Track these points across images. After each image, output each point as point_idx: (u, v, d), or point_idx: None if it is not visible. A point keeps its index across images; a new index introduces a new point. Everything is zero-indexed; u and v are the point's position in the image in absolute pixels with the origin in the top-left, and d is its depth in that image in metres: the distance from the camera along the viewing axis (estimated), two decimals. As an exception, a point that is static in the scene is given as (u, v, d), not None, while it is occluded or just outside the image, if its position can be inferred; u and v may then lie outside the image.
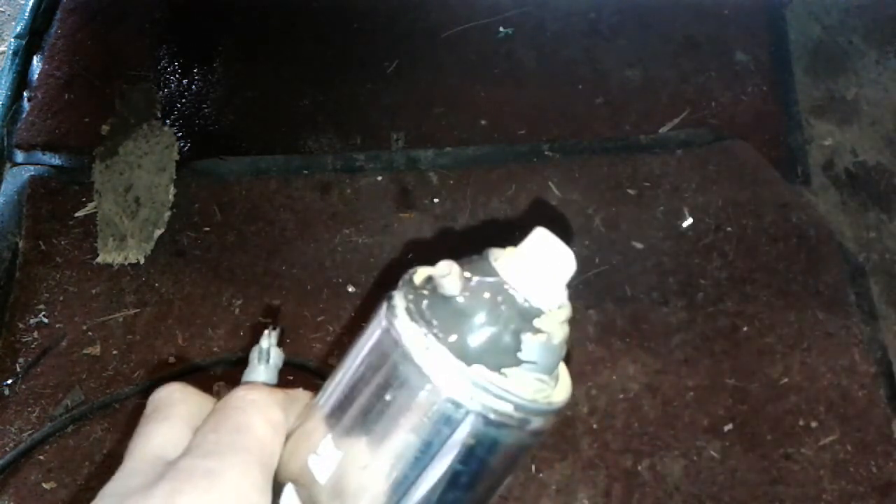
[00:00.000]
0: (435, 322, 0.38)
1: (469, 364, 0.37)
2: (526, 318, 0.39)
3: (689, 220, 1.38)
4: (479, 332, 0.38)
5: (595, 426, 1.23)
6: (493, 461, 0.38)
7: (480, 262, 0.40)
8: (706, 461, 1.20)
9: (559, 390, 0.41)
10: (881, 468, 1.18)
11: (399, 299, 0.40)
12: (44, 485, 1.21)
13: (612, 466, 1.20)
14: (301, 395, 0.41)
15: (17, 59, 1.61)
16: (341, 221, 1.42)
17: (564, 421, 1.23)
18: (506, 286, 0.39)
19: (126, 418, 1.27)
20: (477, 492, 0.39)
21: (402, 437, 0.38)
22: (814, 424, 1.22)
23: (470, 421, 0.37)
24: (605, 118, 1.51)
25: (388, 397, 0.38)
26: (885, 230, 1.43)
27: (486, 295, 0.39)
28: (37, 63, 1.63)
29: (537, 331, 0.39)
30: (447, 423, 0.37)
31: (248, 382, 0.48)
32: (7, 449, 1.24)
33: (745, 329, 1.29)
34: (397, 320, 0.39)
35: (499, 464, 0.39)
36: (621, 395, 1.25)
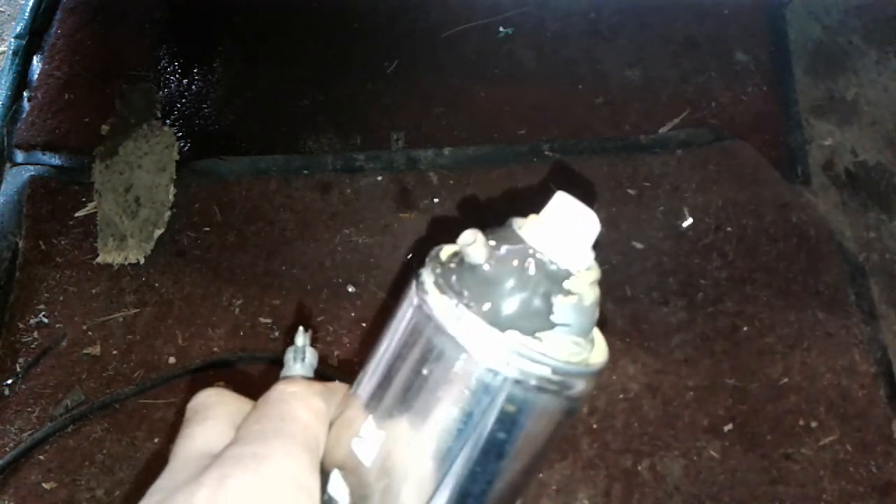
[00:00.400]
0: (465, 292, 0.38)
1: (503, 331, 0.37)
2: (555, 281, 0.38)
3: (689, 220, 1.38)
4: (510, 299, 0.38)
5: (595, 426, 1.23)
6: (533, 428, 0.38)
7: (504, 231, 0.40)
8: (706, 461, 1.20)
9: (596, 353, 0.40)
10: (881, 468, 1.18)
11: (427, 275, 0.40)
12: (44, 485, 1.21)
13: (612, 466, 1.20)
14: (339, 387, 0.42)
15: (17, 59, 1.61)
16: (341, 221, 1.42)
17: (564, 421, 1.23)
18: (532, 251, 0.39)
19: (126, 418, 1.27)
20: (521, 461, 0.39)
21: (443, 411, 0.37)
22: (814, 424, 1.22)
23: (508, 388, 0.37)
24: (605, 118, 1.51)
25: (424, 372, 0.38)
26: (885, 230, 1.43)
27: (514, 261, 0.38)
28: (37, 63, 1.63)
29: (568, 292, 0.39)
30: (486, 391, 0.37)
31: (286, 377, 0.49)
32: (7, 449, 1.24)
33: (745, 329, 1.29)
34: (427, 295, 0.39)
35: (540, 431, 0.38)
36: (621, 395, 1.25)
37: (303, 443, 0.38)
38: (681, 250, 1.35)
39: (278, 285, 1.36)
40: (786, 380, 1.25)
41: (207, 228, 1.43)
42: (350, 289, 1.34)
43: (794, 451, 1.20)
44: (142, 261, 1.39)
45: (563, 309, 0.38)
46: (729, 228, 1.37)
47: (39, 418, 1.27)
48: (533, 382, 0.37)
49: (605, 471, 1.19)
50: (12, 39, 1.63)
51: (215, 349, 1.31)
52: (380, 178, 1.46)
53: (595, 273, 0.41)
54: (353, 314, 1.32)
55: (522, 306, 0.38)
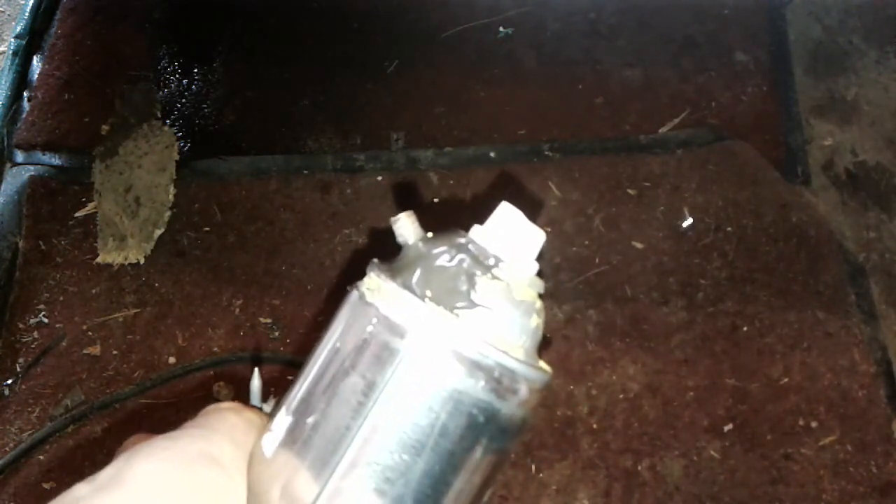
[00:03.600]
0: (389, 268, 0.39)
1: (422, 299, 0.37)
2: (484, 266, 0.38)
3: (689, 220, 1.38)
4: (437, 274, 0.37)
5: (595, 426, 1.22)
6: (439, 407, 0.35)
7: (452, 231, 0.40)
8: (706, 461, 1.20)
9: (530, 358, 0.38)
10: (881, 468, 1.18)
11: (369, 270, 0.41)
12: (44, 485, 1.21)
13: (612, 466, 1.20)
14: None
15: (17, 59, 1.61)
16: (341, 221, 1.42)
17: (564, 421, 1.23)
18: (468, 240, 0.39)
19: (126, 418, 1.27)
20: (427, 438, 0.36)
21: (350, 379, 0.36)
22: (814, 424, 1.22)
23: (412, 353, 0.35)
24: (605, 118, 1.51)
25: (338, 345, 0.38)
26: (885, 230, 1.43)
27: (447, 244, 0.39)
28: (37, 63, 1.63)
29: (494, 277, 0.38)
30: (390, 354, 0.36)
31: None
32: (7, 449, 1.24)
33: (745, 329, 1.29)
34: (358, 283, 0.39)
35: (452, 419, 0.36)
36: (621, 395, 1.25)
37: (225, 433, 0.38)
38: (681, 250, 1.35)
39: (278, 285, 1.36)
40: (786, 380, 1.25)
41: (207, 228, 1.43)
42: (350, 289, 1.34)
43: (794, 451, 1.20)
44: (142, 261, 1.39)
45: (485, 289, 0.37)
46: (729, 228, 1.37)
47: (39, 418, 1.27)
48: (437, 353, 0.35)
49: (605, 471, 1.19)
50: (12, 39, 1.63)
51: (215, 349, 1.31)
52: (380, 178, 1.46)
53: (537, 281, 0.39)
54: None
55: (447, 281, 0.37)
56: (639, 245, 1.36)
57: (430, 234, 0.40)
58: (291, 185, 1.46)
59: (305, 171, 1.48)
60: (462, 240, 0.39)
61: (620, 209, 1.39)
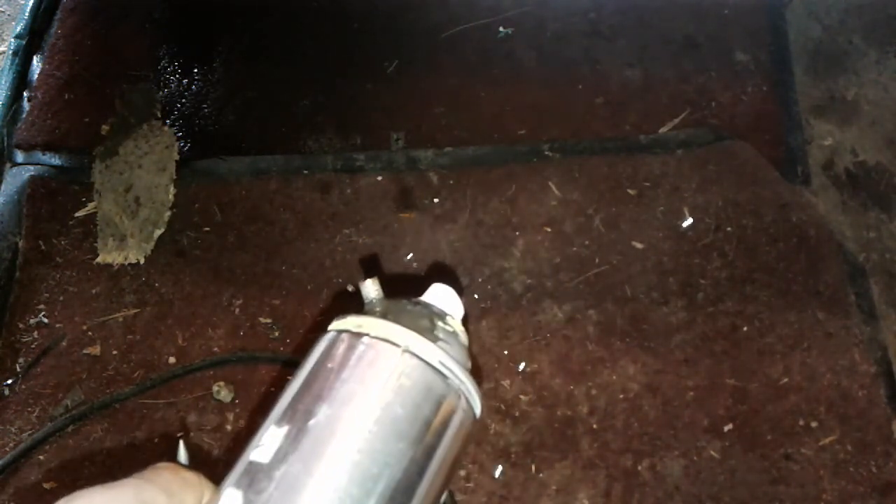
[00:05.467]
0: (364, 315, 0.49)
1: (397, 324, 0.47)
2: (439, 316, 0.50)
3: (689, 220, 1.38)
4: (402, 314, 0.48)
5: (595, 426, 1.22)
6: (421, 403, 0.44)
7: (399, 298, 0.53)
8: (706, 461, 1.20)
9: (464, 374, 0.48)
10: (881, 468, 1.18)
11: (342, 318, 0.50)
12: (44, 485, 1.21)
13: (612, 466, 1.20)
14: (206, 483, 0.44)
15: (17, 59, 1.61)
16: (341, 221, 1.42)
17: (564, 421, 1.23)
18: (421, 301, 0.52)
19: (126, 418, 1.27)
20: (410, 434, 0.44)
21: (344, 387, 0.44)
22: (814, 424, 1.22)
23: (405, 361, 0.45)
24: (605, 118, 1.51)
25: (330, 366, 0.45)
26: (885, 230, 1.43)
27: (406, 300, 0.51)
28: (37, 63, 1.63)
29: (447, 324, 0.50)
30: (387, 364, 0.44)
31: None
32: (7, 449, 1.24)
33: (745, 329, 1.29)
34: (333, 327, 0.49)
35: (424, 412, 0.44)
36: (621, 395, 1.25)
37: (160, 484, 0.41)
38: (681, 250, 1.35)
39: (278, 285, 1.36)
40: (786, 380, 1.25)
41: (207, 228, 1.43)
42: (350, 289, 1.34)
43: (794, 451, 1.20)
44: (142, 261, 1.39)
45: (443, 331, 0.49)
46: (729, 228, 1.37)
47: (39, 418, 1.27)
48: (421, 361, 0.45)
49: (605, 471, 1.19)
50: (12, 39, 1.63)
51: (215, 349, 1.31)
52: (380, 178, 1.46)
53: (465, 335, 0.51)
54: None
55: (415, 321, 0.48)
56: (639, 245, 1.36)
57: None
58: (291, 185, 1.46)
59: (305, 171, 1.48)
60: (415, 299, 0.52)
61: (620, 209, 1.39)
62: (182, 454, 0.52)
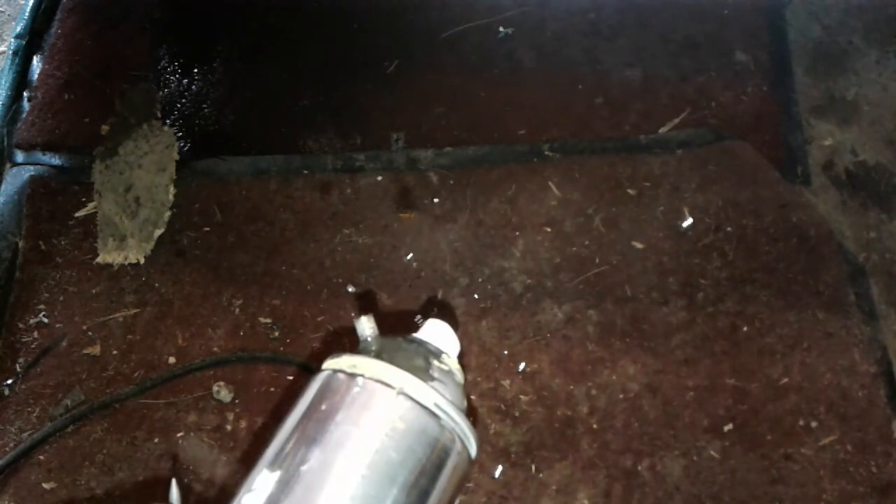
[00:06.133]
0: (358, 354, 0.48)
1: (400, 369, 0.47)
2: (434, 355, 0.50)
3: (689, 220, 1.38)
4: (397, 354, 0.48)
5: (595, 426, 1.23)
6: (416, 446, 0.45)
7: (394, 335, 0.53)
8: (706, 461, 1.20)
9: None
10: (881, 468, 1.18)
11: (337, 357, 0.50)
12: (44, 485, 1.21)
13: (612, 466, 1.20)
14: None
15: (17, 59, 1.61)
16: (341, 221, 1.42)
17: (564, 421, 1.23)
18: (418, 339, 0.52)
19: (126, 418, 1.27)
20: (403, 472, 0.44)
21: (337, 430, 0.44)
22: (814, 424, 1.22)
23: (400, 402, 0.45)
24: (605, 118, 1.51)
25: (324, 407, 0.45)
26: (885, 230, 1.43)
27: (402, 338, 0.51)
28: (37, 63, 1.63)
29: (442, 362, 0.49)
30: (382, 404, 0.45)
31: None
32: (7, 449, 1.24)
33: (745, 329, 1.29)
34: (327, 366, 0.49)
35: (419, 453, 0.45)
36: (621, 395, 1.25)
37: None
38: (681, 250, 1.35)
39: (278, 285, 1.36)
40: (786, 380, 1.25)
41: (207, 228, 1.43)
42: (350, 289, 1.34)
43: (794, 451, 1.20)
44: (142, 261, 1.39)
45: (438, 370, 0.48)
46: (729, 228, 1.37)
47: (39, 418, 1.27)
48: (416, 403, 0.45)
49: (605, 471, 1.19)
50: (12, 39, 1.63)
51: (215, 349, 1.31)
52: (380, 178, 1.46)
53: (460, 373, 0.51)
54: (353, 314, 1.32)
55: (409, 360, 0.47)
56: (639, 245, 1.36)
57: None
58: (291, 185, 1.46)
59: (305, 171, 1.48)
60: (410, 336, 0.51)
61: (620, 209, 1.39)
62: (174, 495, 0.53)
